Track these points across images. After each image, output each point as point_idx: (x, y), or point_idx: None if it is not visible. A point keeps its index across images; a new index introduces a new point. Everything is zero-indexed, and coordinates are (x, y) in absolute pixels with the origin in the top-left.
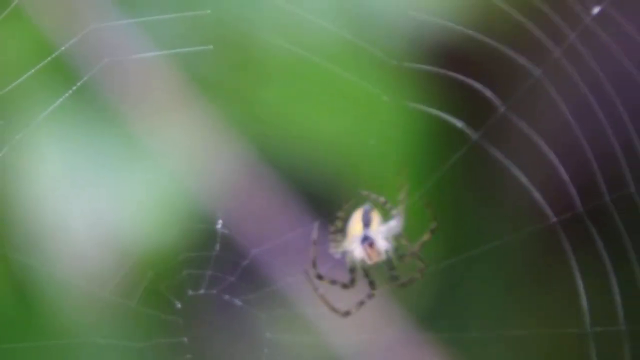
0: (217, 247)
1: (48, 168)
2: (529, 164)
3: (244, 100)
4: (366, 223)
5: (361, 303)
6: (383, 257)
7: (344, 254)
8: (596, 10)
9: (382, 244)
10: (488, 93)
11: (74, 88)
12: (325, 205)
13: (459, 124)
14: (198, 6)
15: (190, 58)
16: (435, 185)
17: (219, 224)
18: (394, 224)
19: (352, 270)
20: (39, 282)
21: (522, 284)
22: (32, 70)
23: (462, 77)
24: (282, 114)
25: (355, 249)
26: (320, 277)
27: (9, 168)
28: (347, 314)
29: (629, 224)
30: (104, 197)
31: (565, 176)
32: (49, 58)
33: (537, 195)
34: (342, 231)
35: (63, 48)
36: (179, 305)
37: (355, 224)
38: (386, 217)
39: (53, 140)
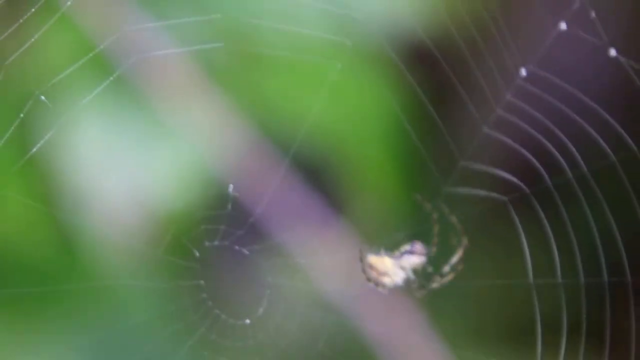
0: (229, 206)
1: (90, 143)
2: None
3: (249, 88)
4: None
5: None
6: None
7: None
8: (524, 72)
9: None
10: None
11: (111, 79)
12: (317, 174)
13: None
14: (210, 9)
15: (205, 53)
16: (406, 162)
17: (231, 188)
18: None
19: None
20: (82, 235)
21: (476, 245)
22: (77, 64)
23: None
24: (282, 99)
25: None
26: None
27: (59, 143)
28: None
29: (565, 202)
30: (136, 166)
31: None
32: (91, 54)
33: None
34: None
35: (102, 46)
36: (197, 254)
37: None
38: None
39: (95, 121)
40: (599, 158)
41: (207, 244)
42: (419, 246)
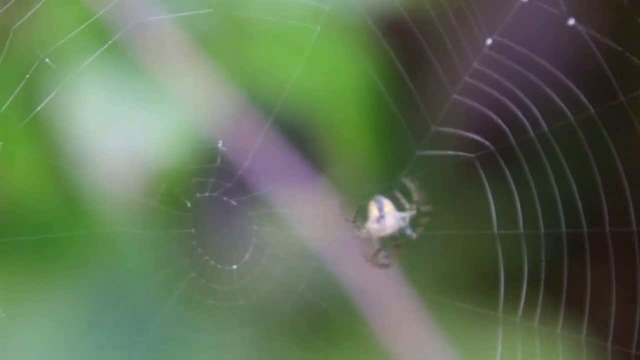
0: (218, 161)
1: (91, 103)
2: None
3: (236, 54)
4: (380, 208)
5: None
6: (390, 231)
7: (367, 232)
8: (489, 41)
9: (391, 221)
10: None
11: (109, 43)
12: (296, 131)
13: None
14: None
15: (196, 23)
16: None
17: (220, 144)
18: (403, 215)
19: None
20: (84, 188)
21: (446, 199)
22: (79, 29)
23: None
24: (265, 64)
25: (372, 225)
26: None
27: (63, 103)
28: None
29: (528, 159)
30: (133, 124)
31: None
32: (91, 20)
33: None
34: (362, 220)
35: (100, 12)
36: (188, 204)
37: (372, 210)
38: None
39: (95, 82)
40: (558, 118)
41: (198, 195)
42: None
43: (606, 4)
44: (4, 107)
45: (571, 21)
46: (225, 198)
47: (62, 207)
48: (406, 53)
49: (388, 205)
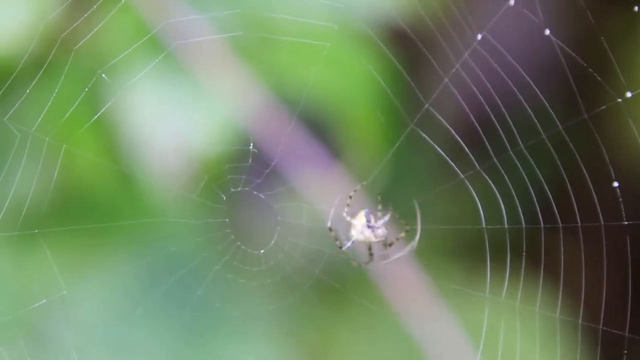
0: (250, 160)
1: (144, 107)
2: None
3: (266, 61)
4: (367, 219)
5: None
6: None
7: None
8: (479, 36)
9: (369, 234)
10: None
11: (157, 60)
12: (320, 129)
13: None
14: (234, 5)
15: (231, 38)
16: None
17: (251, 146)
18: (381, 231)
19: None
20: (137, 182)
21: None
22: (132, 48)
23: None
24: (291, 70)
25: (354, 230)
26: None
27: (120, 107)
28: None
29: (511, 173)
30: (179, 124)
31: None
32: (145, 37)
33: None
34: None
35: (152, 33)
36: (224, 197)
37: (359, 218)
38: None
39: (148, 91)
40: (530, 132)
41: (232, 190)
42: (380, 231)
43: (578, 20)
44: (67, 115)
45: (547, 31)
46: (255, 192)
47: (120, 199)
48: (405, 56)
49: (359, 217)
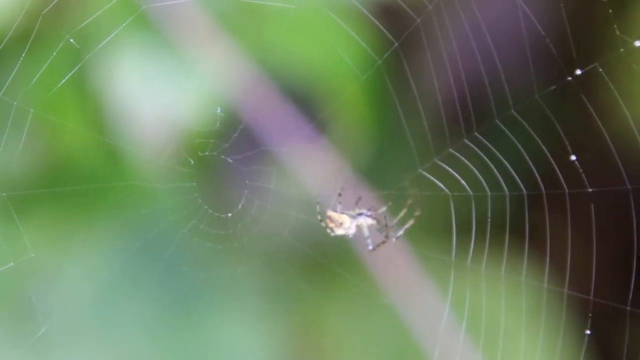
0: (217, 124)
1: (126, 76)
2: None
3: (253, 34)
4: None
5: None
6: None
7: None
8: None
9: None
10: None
11: (128, 21)
12: (304, 102)
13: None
14: None
15: (217, 5)
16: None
17: (218, 110)
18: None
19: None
20: (121, 150)
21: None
22: (102, 10)
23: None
24: (279, 43)
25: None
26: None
27: (104, 76)
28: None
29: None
30: (161, 95)
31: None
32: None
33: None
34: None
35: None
36: (192, 162)
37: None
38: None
39: (129, 56)
40: (520, 97)
41: (200, 154)
42: (374, 213)
43: None
44: (34, 80)
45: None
46: (223, 156)
47: (88, 163)
48: (396, 31)
49: (337, 217)
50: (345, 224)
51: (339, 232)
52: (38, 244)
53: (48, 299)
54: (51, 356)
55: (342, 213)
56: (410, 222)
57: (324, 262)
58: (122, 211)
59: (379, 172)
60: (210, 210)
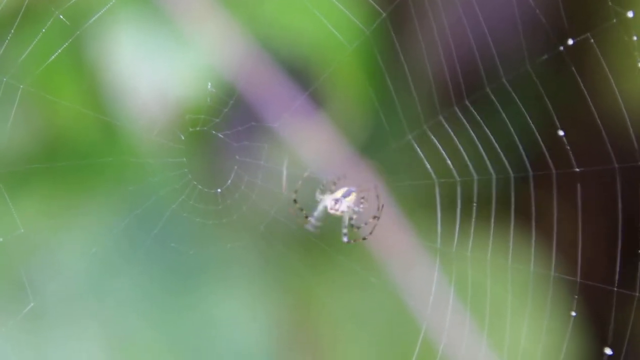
0: (208, 100)
1: (121, 51)
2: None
3: (251, 8)
4: (344, 195)
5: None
6: (338, 213)
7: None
8: None
9: (343, 208)
10: None
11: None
12: (294, 75)
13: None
14: None
15: None
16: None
17: (209, 85)
18: (355, 208)
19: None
20: (112, 125)
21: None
22: None
23: None
24: (276, 18)
25: (327, 201)
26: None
27: (100, 51)
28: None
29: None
30: (155, 70)
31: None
32: None
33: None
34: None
35: None
36: (182, 137)
37: (337, 193)
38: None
39: (124, 31)
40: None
41: (190, 129)
42: (352, 197)
43: None
44: (25, 54)
45: None
46: (213, 132)
47: (102, 139)
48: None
49: (352, 198)
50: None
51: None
52: (28, 220)
53: (38, 274)
54: (40, 332)
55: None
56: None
57: (316, 242)
58: (111, 187)
59: (371, 141)
60: (199, 186)
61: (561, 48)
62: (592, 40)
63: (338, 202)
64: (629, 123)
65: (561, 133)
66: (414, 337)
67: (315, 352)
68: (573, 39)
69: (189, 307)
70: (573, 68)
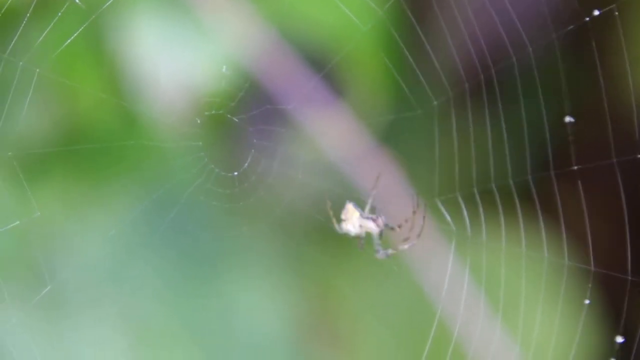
0: (223, 83)
1: (143, 39)
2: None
3: None
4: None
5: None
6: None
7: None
8: None
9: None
10: None
11: None
12: (313, 58)
13: None
14: None
15: None
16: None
17: (224, 69)
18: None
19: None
20: (130, 109)
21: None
22: None
23: None
24: (294, 7)
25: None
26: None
27: (121, 38)
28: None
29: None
30: (174, 54)
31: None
32: None
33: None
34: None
35: None
36: (198, 121)
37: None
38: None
39: (143, 16)
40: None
41: (206, 113)
42: (381, 220)
43: None
44: (41, 38)
45: None
46: (229, 116)
47: (121, 124)
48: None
49: (351, 212)
50: (352, 220)
51: (342, 225)
52: (45, 204)
53: (54, 258)
54: (57, 317)
55: (355, 209)
56: (412, 242)
57: (325, 222)
58: (128, 171)
59: (391, 125)
60: (216, 170)
61: (587, 19)
62: (616, 13)
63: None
64: None
65: (568, 119)
66: (431, 326)
67: (335, 342)
68: (599, 10)
69: (208, 295)
70: (593, 43)
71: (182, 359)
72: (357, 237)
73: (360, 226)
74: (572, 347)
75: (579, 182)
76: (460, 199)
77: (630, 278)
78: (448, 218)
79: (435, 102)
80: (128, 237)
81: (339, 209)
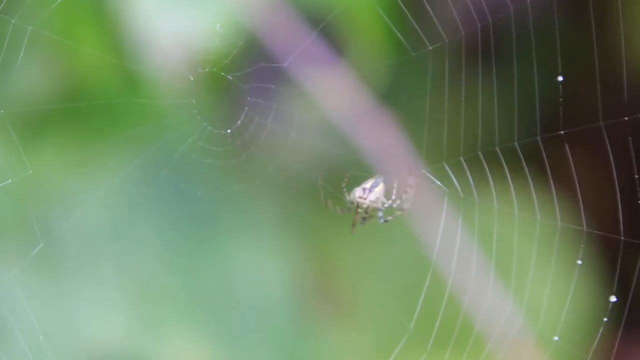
0: (217, 41)
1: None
2: None
3: None
4: (373, 185)
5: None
6: (368, 203)
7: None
8: None
9: (373, 197)
10: None
11: None
12: (312, 18)
13: None
14: None
15: None
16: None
17: (218, 27)
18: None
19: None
20: (122, 67)
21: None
22: None
23: None
24: None
25: (357, 192)
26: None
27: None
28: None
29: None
30: (171, 15)
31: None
32: None
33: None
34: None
35: None
36: (191, 79)
37: (366, 183)
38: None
39: None
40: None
41: (200, 70)
42: (380, 188)
43: None
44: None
45: None
46: (223, 73)
47: (122, 84)
48: None
49: (380, 188)
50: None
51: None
52: (39, 161)
53: (47, 215)
54: (53, 275)
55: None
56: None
57: (331, 191)
58: (119, 128)
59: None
60: (209, 127)
61: None
62: None
63: (366, 191)
64: None
65: (560, 78)
66: (435, 287)
67: (336, 302)
68: None
69: (207, 254)
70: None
71: (182, 318)
72: (357, 212)
73: (364, 191)
74: (565, 306)
75: (566, 145)
76: (446, 166)
77: (622, 238)
78: (438, 182)
79: (429, 47)
80: (121, 195)
81: (336, 172)
